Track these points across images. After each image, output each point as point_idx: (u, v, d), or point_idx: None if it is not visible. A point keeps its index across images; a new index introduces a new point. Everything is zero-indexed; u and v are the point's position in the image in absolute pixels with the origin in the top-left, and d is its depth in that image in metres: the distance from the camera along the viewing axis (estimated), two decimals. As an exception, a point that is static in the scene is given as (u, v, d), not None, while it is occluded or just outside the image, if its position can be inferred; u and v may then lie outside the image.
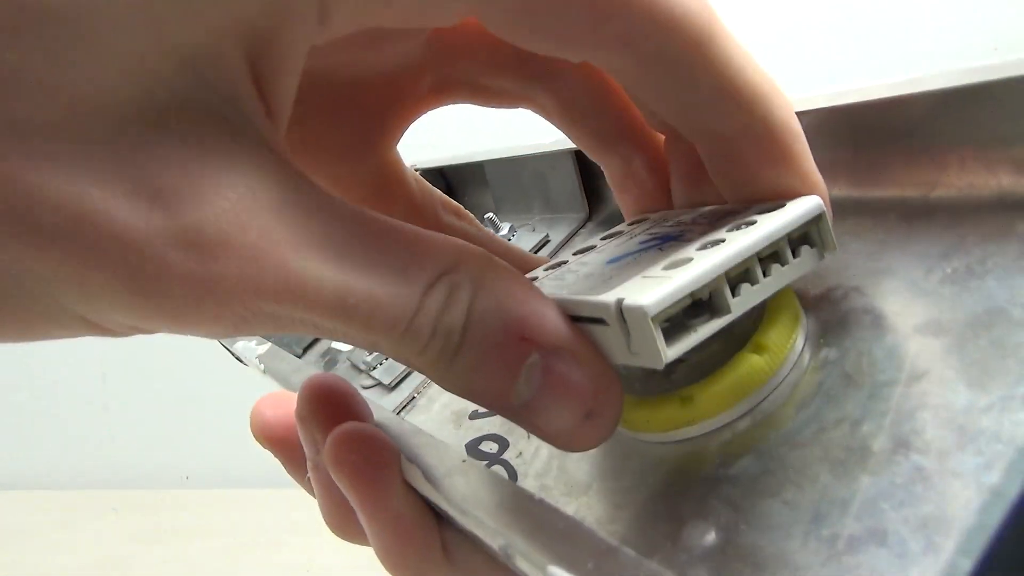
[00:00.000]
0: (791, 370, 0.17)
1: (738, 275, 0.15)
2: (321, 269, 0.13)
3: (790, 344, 0.17)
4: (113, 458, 1.16)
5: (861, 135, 0.20)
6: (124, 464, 1.15)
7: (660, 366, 0.14)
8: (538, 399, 0.15)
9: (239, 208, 0.13)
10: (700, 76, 0.16)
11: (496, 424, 0.23)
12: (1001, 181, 0.17)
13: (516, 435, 0.22)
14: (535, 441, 0.21)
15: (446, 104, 0.21)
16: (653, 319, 0.14)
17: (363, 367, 0.31)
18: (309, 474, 0.21)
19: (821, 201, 0.16)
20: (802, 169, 0.17)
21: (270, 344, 0.32)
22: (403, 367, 0.29)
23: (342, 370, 0.33)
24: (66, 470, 1.17)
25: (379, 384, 0.30)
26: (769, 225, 0.16)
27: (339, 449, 0.18)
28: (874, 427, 0.15)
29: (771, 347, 0.17)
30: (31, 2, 0.11)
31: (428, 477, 0.17)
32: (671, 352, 0.14)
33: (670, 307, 0.14)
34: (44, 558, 0.90)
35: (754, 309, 0.17)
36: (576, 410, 0.15)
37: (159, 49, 0.12)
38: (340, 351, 0.35)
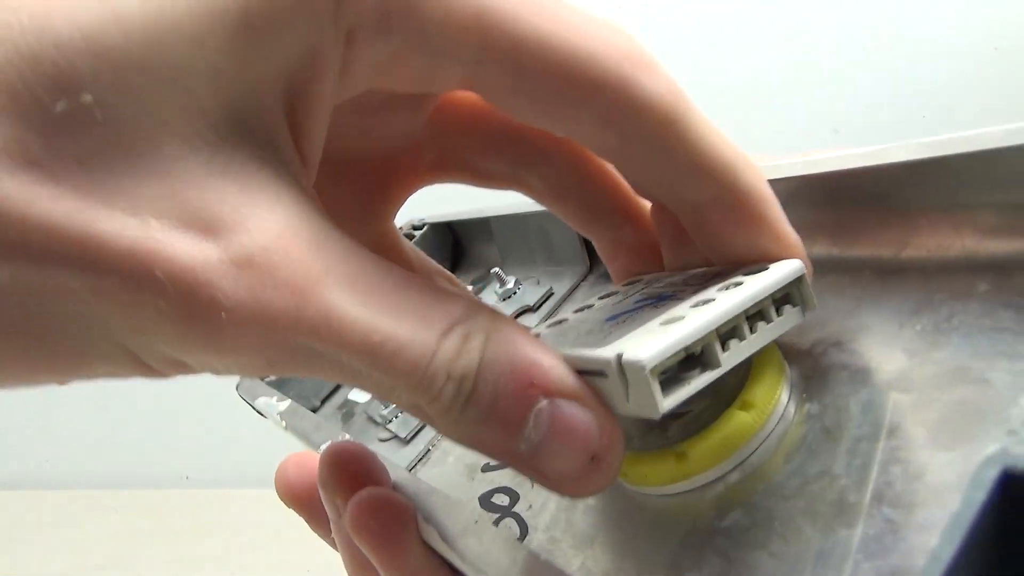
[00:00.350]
0: (777, 423, 0.19)
1: (727, 332, 0.16)
2: (353, 307, 0.14)
3: (775, 400, 0.19)
4: (113, 458, 1.15)
5: (838, 199, 0.21)
6: (124, 464, 1.14)
7: (657, 416, 0.15)
8: (545, 444, 0.15)
9: (283, 239, 0.14)
10: (672, 151, 0.17)
11: (507, 477, 0.24)
12: (965, 243, 0.19)
13: (526, 488, 0.23)
14: (544, 494, 0.23)
15: (442, 181, 0.23)
16: (651, 372, 0.15)
17: (379, 420, 0.33)
18: (333, 534, 0.22)
19: (801, 264, 0.18)
20: (775, 230, 0.18)
21: (290, 401, 0.34)
22: (418, 420, 0.30)
23: (359, 423, 0.35)
24: (66, 470, 1.17)
25: (395, 437, 0.31)
26: (755, 285, 0.17)
27: (359, 515, 0.19)
28: (851, 481, 0.16)
29: (757, 404, 0.18)
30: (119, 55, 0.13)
31: (443, 537, 0.18)
32: (667, 403, 0.15)
33: (666, 360, 0.15)
34: (44, 558, 0.90)
35: (741, 365, 0.19)
36: (583, 454, 0.16)
37: (215, 98, 0.14)
38: (356, 403, 0.37)
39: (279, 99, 0.15)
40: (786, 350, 0.20)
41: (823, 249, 0.22)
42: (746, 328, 0.17)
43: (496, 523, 0.23)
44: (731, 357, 0.16)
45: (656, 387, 0.15)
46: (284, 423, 0.33)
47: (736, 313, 0.16)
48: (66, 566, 0.87)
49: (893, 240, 0.20)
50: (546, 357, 0.16)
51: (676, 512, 0.19)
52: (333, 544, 0.23)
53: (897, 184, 0.19)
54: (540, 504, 0.22)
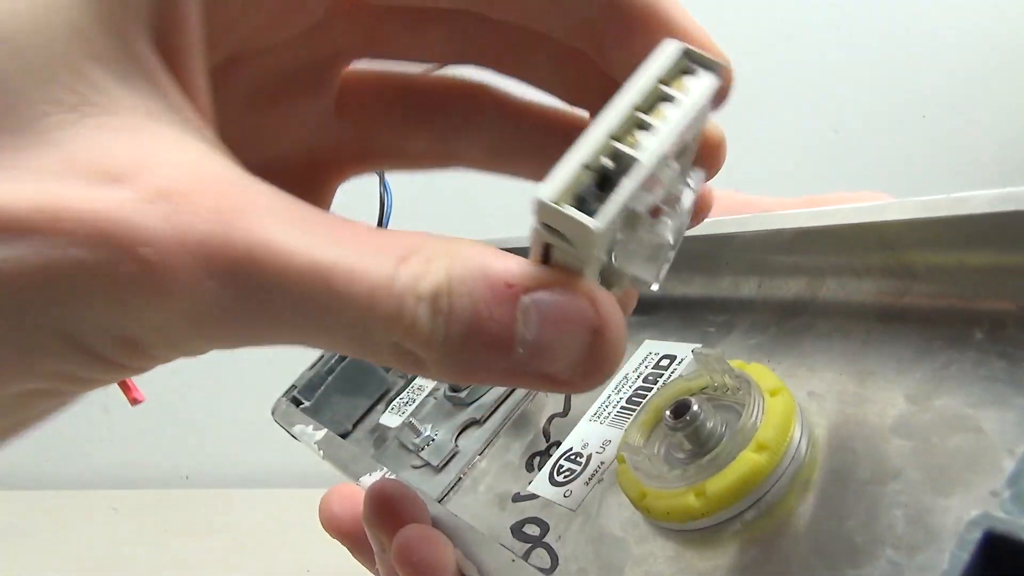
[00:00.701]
0: (790, 464, 0.20)
1: (627, 129, 0.15)
2: (290, 234, 0.13)
3: (787, 441, 0.20)
4: (113, 458, 1.16)
5: (844, 247, 0.22)
6: (124, 464, 1.14)
7: (595, 241, 0.14)
8: (544, 338, 0.14)
9: (196, 176, 0.13)
10: None
11: (538, 507, 0.26)
12: (964, 292, 0.20)
13: (556, 518, 0.25)
14: (574, 525, 0.24)
15: (370, 171, 0.22)
16: (556, 200, 0.14)
17: (411, 447, 0.34)
18: (377, 566, 0.24)
19: (677, 41, 0.16)
20: (673, 28, 0.17)
21: (326, 430, 0.35)
22: (449, 449, 0.32)
23: (391, 449, 0.36)
24: (66, 470, 1.18)
25: (427, 465, 0.33)
26: (635, 76, 0.15)
27: (403, 551, 0.21)
28: (857, 523, 0.17)
29: (770, 446, 0.20)
30: None
31: (482, 573, 0.20)
32: (598, 221, 0.14)
33: (567, 185, 0.14)
34: (44, 558, 0.89)
35: (757, 407, 0.20)
36: (583, 333, 0.15)
37: (88, 58, 0.13)
38: (388, 428, 0.38)
39: (149, 45, 0.14)
40: (797, 392, 0.21)
41: (829, 293, 0.23)
42: (651, 118, 0.15)
43: (527, 553, 0.24)
44: (650, 149, 0.14)
45: (571, 211, 0.14)
46: (321, 452, 0.34)
47: (623, 110, 0.15)
48: (66, 566, 0.86)
49: (894, 290, 0.21)
50: (513, 260, 0.15)
51: (698, 546, 0.20)
52: (377, 573, 0.25)
53: (901, 235, 0.21)
54: (571, 536, 0.24)
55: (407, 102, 0.21)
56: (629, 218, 0.15)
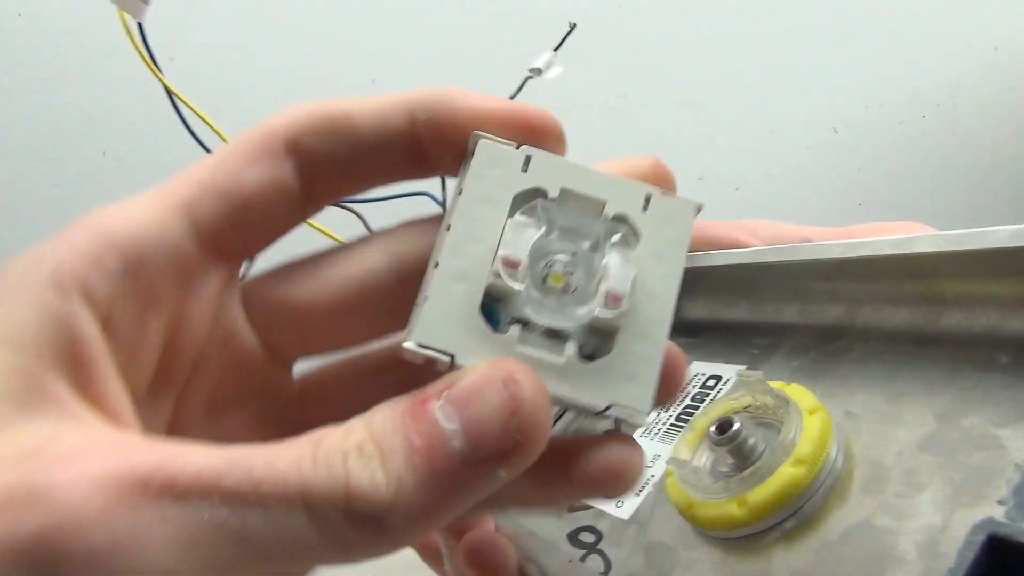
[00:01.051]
0: (826, 477, 0.22)
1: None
2: (188, 451, 0.14)
3: (824, 456, 0.22)
4: None
5: (879, 276, 0.24)
6: None
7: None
8: (467, 420, 0.15)
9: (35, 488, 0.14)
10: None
11: (592, 516, 0.28)
12: (990, 318, 0.21)
13: (609, 527, 0.27)
14: (627, 533, 0.26)
15: None
16: (420, 344, 0.16)
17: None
18: (446, 566, 0.26)
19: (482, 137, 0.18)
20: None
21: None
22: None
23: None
24: None
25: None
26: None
27: (469, 553, 0.23)
28: (887, 532, 0.19)
29: (807, 460, 0.21)
30: None
31: (543, 573, 0.22)
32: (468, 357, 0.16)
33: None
34: None
35: (796, 425, 0.22)
36: (498, 387, 0.15)
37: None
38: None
39: (60, 380, 0.15)
40: (835, 411, 0.23)
41: (867, 318, 0.25)
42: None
43: (583, 558, 0.26)
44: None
45: (431, 352, 0.16)
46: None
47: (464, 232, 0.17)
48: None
49: (926, 317, 0.23)
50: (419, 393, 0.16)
51: (741, 553, 0.22)
52: (444, 574, 0.27)
53: (933, 265, 0.22)
54: (622, 542, 0.26)
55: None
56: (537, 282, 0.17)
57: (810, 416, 0.22)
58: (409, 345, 0.16)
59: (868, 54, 0.90)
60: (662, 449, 0.28)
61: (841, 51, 0.90)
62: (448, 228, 0.17)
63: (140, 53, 0.35)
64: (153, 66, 0.36)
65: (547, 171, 0.18)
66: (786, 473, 0.21)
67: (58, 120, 0.77)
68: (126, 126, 0.77)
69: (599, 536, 0.27)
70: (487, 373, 0.15)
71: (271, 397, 0.20)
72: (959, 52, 0.89)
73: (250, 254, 0.20)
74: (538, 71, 0.44)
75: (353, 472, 0.14)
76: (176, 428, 0.18)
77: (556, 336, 0.17)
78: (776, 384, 0.24)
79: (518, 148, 0.18)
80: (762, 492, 0.22)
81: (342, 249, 0.20)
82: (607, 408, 0.17)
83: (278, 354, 0.20)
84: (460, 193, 0.18)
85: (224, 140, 0.33)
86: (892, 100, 0.91)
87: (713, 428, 0.23)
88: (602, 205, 0.18)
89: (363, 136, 0.19)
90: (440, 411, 0.15)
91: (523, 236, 0.17)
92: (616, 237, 0.17)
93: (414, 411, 0.15)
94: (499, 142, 0.18)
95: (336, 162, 0.19)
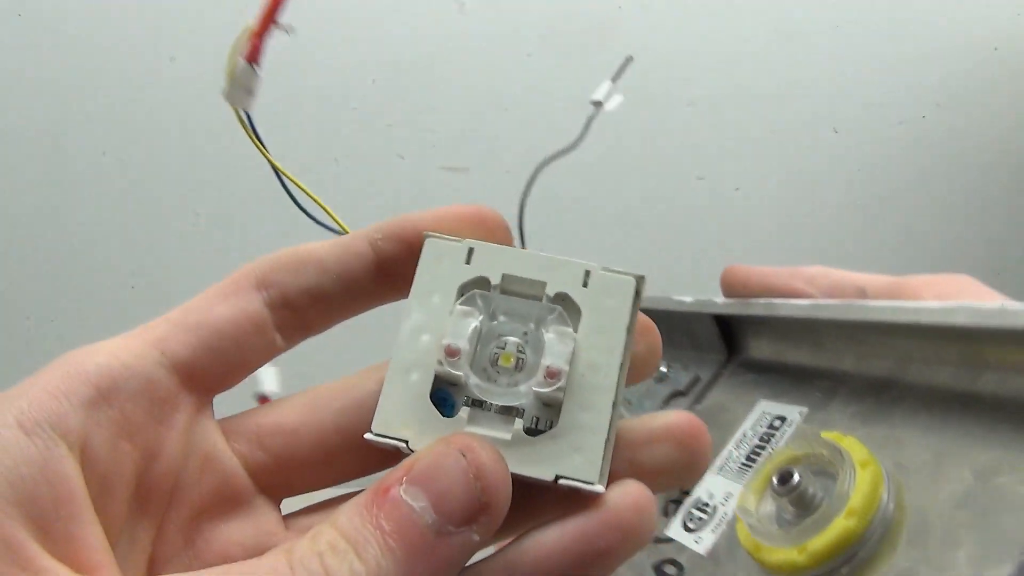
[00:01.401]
0: (878, 526, 0.24)
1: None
2: None
3: (875, 509, 0.24)
4: None
5: (925, 338, 0.26)
6: None
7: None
8: (434, 493, 0.16)
9: None
10: None
11: (674, 550, 0.31)
12: (1024, 380, 0.24)
13: (690, 561, 0.30)
14: (705, 569, 0.29)
15: None
16: (380, 434, 0.18)
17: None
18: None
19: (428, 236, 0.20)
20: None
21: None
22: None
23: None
24: None
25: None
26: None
27: None
28: (928, 583, 0.22)
29: (859, 512, 0.24)
30: None
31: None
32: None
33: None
34: None
35: (849, 478, 0.25)
36: (456, 457, 0.16)
37: None
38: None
39: (24, 529, 0.15)
40: (887, 462, 0.26)
41: (915, 373, 0.27)
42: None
43: (667, 590, 0.30)
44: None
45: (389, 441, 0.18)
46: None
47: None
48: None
49: (969, 374, 0.25)
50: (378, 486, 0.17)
51: (803, 593, 0.25)
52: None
53: (972, 334, 0.24)
54: None
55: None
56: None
57: (862, 469, 0.25)
58: (368, 436, 0.18)
59: (868, 54, 0.90)
60: (734, 488, 0.31)
61: (841, 51, 0.90)
62: (402, 321, 0.19)
63: (251, 138, 0.40)
64: (262, 148, 0.40)
65: (489, 260, 0.19)
66: (840, 525, 0.24)
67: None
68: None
69: (681, 569, 0.30)
70: (442, 448, 0.17)
71: (256, 517, 0.20)
72: (959, 52, 0.89)
73: (225, 386, 0.20)
74: (599, 103, 0.47)
75: (331, 568, 0.15)
76: (158, 555, 0.19)
77: (510, 412, 0.19)
78: (832, 435, 0.27)
79: (461, 242, 0.20)
80: (820, 541, 0.24)
81: (338, 381, 0.21)
82: (556, 479, 0.18)
83: (265, 490, 0.21)
84: (412, 287, 0.20)
85: (328, 213, 0.36)
86: (892, 100, 0.90)
87: (775, 479, 0.26)
88: (543, 286, 0.19)
89: (328, 264, 0.20)
90: (405, 494, 0.16)
91: (462, 325, 0.19)
92: (553, 315, 0.19)
93: (378, 501, 0.16)
94: (444, 238, 0.20)
95: (305, 291, 0.20)
